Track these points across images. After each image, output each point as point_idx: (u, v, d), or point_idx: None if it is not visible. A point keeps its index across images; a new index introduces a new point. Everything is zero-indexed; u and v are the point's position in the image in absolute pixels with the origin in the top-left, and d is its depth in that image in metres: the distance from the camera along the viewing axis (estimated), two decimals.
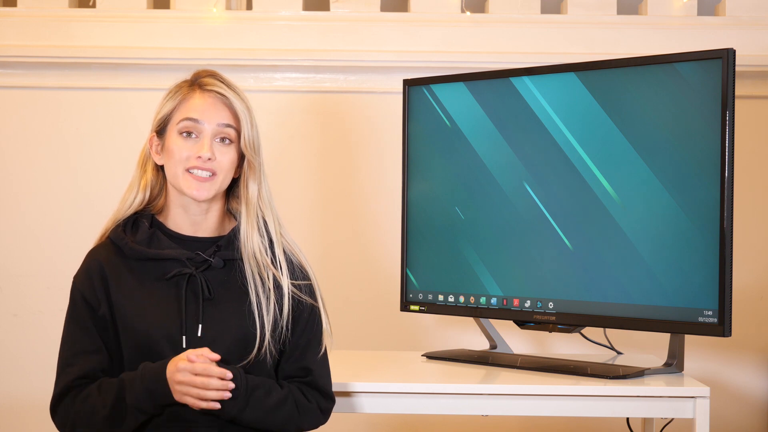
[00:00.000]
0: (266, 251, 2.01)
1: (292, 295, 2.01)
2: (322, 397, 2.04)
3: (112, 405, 1.89)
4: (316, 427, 2.04)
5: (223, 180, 1.99)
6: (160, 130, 2.01)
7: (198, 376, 1.86)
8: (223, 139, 1.99)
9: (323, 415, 2.05)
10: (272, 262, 2.01)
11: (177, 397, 1.87)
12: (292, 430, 2.00)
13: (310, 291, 2.05)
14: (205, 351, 1.88)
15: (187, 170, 1.96)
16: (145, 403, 1.88)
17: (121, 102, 3.31)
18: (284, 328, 2.00)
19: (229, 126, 1.99)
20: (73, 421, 1.93)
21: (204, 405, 1.88)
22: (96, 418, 1.90)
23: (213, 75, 2.02)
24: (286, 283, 2.00)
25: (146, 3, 3.33)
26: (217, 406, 1.88)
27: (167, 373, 1.87)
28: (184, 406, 1.91)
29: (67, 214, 3.30)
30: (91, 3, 3.35)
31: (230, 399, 1.89)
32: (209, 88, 1.99)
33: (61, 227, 3.30)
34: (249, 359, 1.96)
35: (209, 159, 1.96)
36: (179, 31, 3.31)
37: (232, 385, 1.88)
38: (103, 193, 3.24)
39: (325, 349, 2.06)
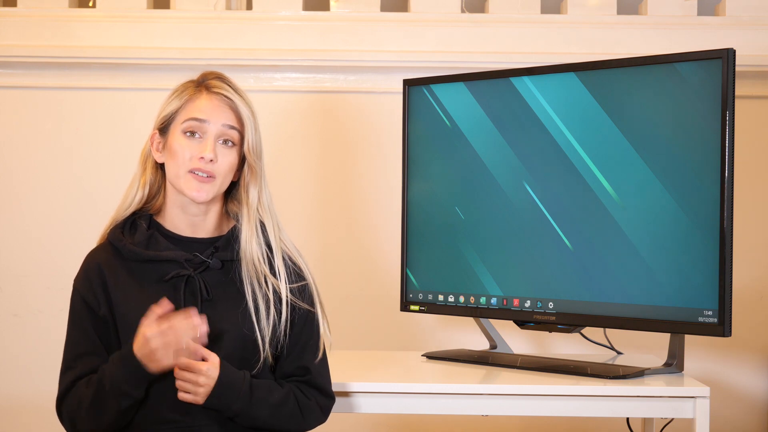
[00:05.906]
0: (264, 259, 2.01)
1: (289, 300, 2.01)
2: (321, 395, 2.05)
3: (93, 393, 1.90)
4: (318, 425, 2.05)
5: (222, 182, 1.99)
6: (163, 128, 2.01)
7: (166, 336, 1.85)
8: (225, 141, 1.99)
9: (323, 414, 2.06)
10: (270, 269, 2.01)
11: (155, 366, 1.86)
12: (296, 430, 2.00)
13: (308, 295, 2.05)
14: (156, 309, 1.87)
15: (190, 171, 1.96)
16: (124, 384, 1.86)
17: (121, 102, 3.31)
18: (282, 332, 2.00)
19: (233, 128, 1.99)
20: (71, 418, 1.95)
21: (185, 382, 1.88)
22: (82, 408, 1.91)
23: (220, 77, 2.02)
24: (284, 290, 2.00)
25: (146, 3, 3.33)
26: (199, 398, 1.89)
27: (137, 352, 1.85)
28: (185, 405, 1.91)
29: (67, 214, 3.30)
30: (91, 3, 3.36)
31: (233, 394, 1.90)
32: (216, 90, 1.99)
33: (61, 227, 3.30)
34: (254, 370, 1.97)
35: (211, 160, 1.96)
36: (179, 31, 3.31)
37: (200, 324, 1.86)
38: (102, 193, 3.24)
39: (324, 351, 2.06)
